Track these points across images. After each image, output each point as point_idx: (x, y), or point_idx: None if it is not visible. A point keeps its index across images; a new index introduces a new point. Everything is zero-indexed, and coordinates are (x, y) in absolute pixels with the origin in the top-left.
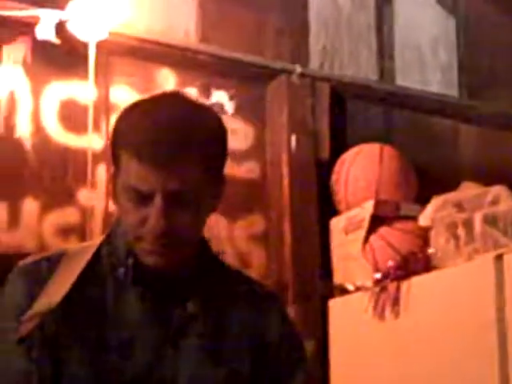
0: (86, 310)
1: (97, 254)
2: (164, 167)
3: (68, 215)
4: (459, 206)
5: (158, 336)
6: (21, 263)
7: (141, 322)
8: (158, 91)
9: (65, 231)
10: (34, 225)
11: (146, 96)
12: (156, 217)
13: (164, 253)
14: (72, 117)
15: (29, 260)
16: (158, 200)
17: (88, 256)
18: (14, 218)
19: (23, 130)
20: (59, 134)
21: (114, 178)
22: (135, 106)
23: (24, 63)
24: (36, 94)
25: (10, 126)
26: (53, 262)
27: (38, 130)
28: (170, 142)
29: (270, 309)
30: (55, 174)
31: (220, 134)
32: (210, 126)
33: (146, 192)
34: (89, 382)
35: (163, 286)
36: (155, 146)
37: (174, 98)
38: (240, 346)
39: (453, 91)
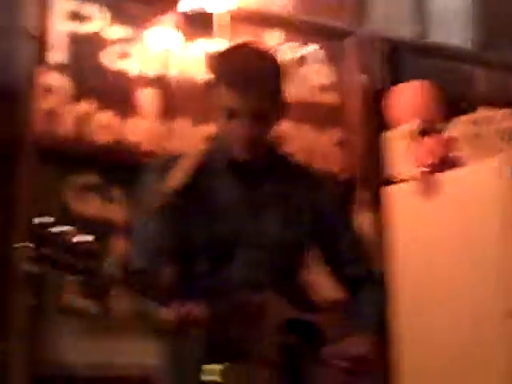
0: (199, 191)
1: (205, 154)
2: (247, 93)
3: (207, 129)
4: (476, 123)
5: (247, 207)
6: (154, 160)
7: (236, 198)
8: (267, 45)
9: (206, 139)
10: (185, 135)
11: (233, 45)
12: (243, 127)
13: (250, 151)
14: (208, 62)
15: (159, 158)
16: (243, 116)
17: (199, 155)
18: (172, 131)
19: (176, 72)
20: (200, 74)
21: (213, 101)
22: (228, 50)
23: (175, 26)
24: (184, 47)
25: (167, 70)
26: (174, 160)
27: (186, 72)
28: (252, 75)
29: (324, 186)
30: (198, 101)
31: (280, 70)
32: (277, 65)
33: (236, 110)
34: (202, 242)
35: (250, 172)
36: (242, 77)
37: (253, 46)
38: (303, 211)
39: (470, 45)
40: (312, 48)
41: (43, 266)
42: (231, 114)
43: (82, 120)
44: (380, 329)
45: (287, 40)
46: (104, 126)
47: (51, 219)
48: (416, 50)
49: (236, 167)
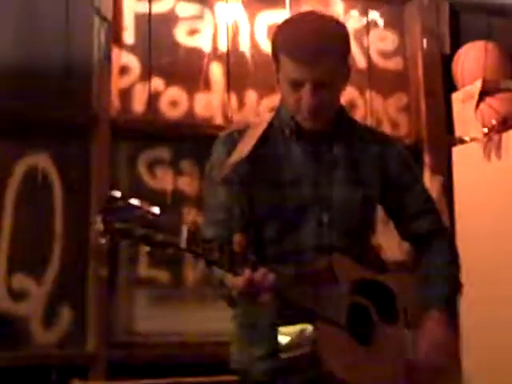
0: (266, 159)
1: (270, 124)
2: (310, 62)
3: (276, 100)
4: None
5: (316, 172)
6: (221, 133)
7: (304, 163)
8: (331, 13)
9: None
10: (254, 108)
11: (295, 15)
12: (307, 97)
13: (315, 119)
14: None
15: (226, 131)
16: (307, 85)
17: (264, 125)
18: (241, 104)
19: (244, 46)
20: (268, 47)
21: (277, 72)
22: (286, 21)
23: (242, 1)
24: (251, 21)
25: (235, 44)
26: (241, 132)
27: (254, 45)
28: (313, 45)
29: (392, 146)
30: (266, 73)
31: (346, 37)
32: (340, 32)
33: (299, 80)
34: (271, 209)
35: (316, 138)
36: (303, 48)
37: (313, 14)
38: (372, 173)
39: None
40: (373, 15)
41: (115, 238)
42: (295, 85)
43: (154, 97)
44: (452, 302)
45: (349, 8)
46: (175, 101)
47: (120, 193)
48: (479, 10)
49: (302, 134)
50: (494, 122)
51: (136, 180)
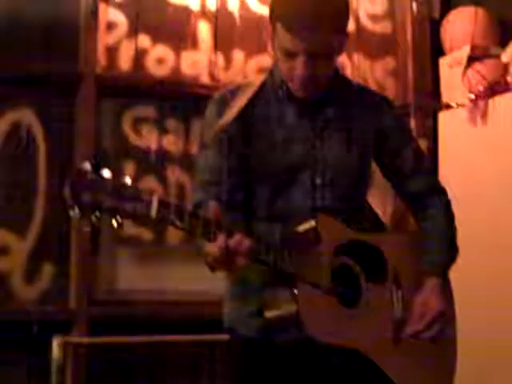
0: (258, 119)
1: (263, 84)
2: (305, 35)
3: (263, 61)
4: None
5: (309, 133)
6: (215, 94)
7: (296, 125)
8: None
9: (261, 71)
10: (241, 67)
11: None
12: (300, 68)
13: (307, 89)
14: None
15: (219, 92)
16: (301, 57)
17: (257, 86)
18: (228, 63)
19: (232, 5)
20: (257, 7)
21: (272, 38)
22: None
23: None
24: None
25: (223, 3)
26: (234, 92)
27: (243, 5)
28: (310, 17)
29: (385, 107)
30: (254, 34)
31: (346, 9)
32: (339, 3)
33: (293, 51)
34: (263, 170)
35: (309, 102)
36: (299, 19)
37: None
38: (366, 133)
39: None
40: None
41: (83, 210)
42: (288, 54)
43: (140, 54)
44: (451, 260)
45: None
46: (161, 59)
47: (89, 165)
48: None
49: (295, 97)
50: (480, 88)
51: (120, 137)
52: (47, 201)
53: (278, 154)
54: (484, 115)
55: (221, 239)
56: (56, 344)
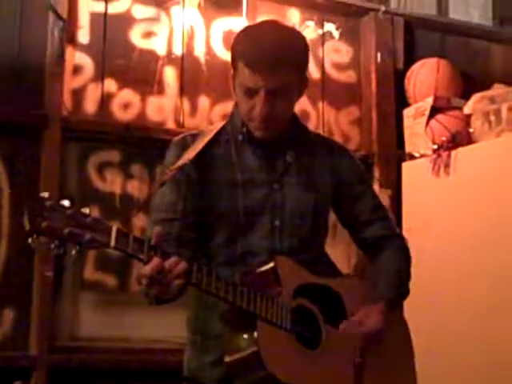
0: (218, 160)
1: (222, 129)
2: (266, 72)
3: (229, 107)
4: (492, 100)
5: (269, 177)
6: (175, 138)
7: (256, 168)
8: (287, 23)
9: (227, 117)
10: (206, 114)
11: (254, 23)
12: (260, 105)
13: (266, 128)
14: (231, 41)
15: (180, 135)
16: (261, 94)
17: (216, 130)
18: (194, 109)
19: (199, 51)
20: (222, 53)
21: (233, 79)
22: (246, 30)
23: (199, 6)
24: (207, 26)
25: (190, 49)
26: (194, 136)
27: (209, 51)
28: (271, 55)
29: (343, 155)
30: (220, 80)
31: (305, 49)
32: (299, 44)
33: (253, 88)
34: (220, 212)
35: (268, 145)
36: (260, 57)
37: (274, 24)
38: (324, 179)
39: (488, 21)
40: (329, 26)
41: (41, 237)
42: (249, 93)
43: (106, 98)
44: (400, 296)
45: (305, 19)
46: (127, 103)
47: (48, 194)
48: (433, 27)
49: (255, 141)
50: (443, 138)
51: (85, 182)
52: (10, 244)
53: (238, 197)
54: (447, 166)
55: (155, 259)
56: None
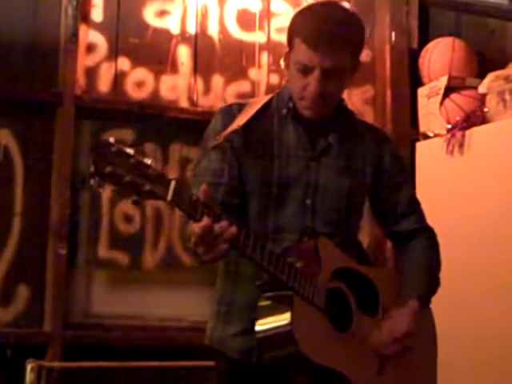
0: (260, 133)
1: (269, 101)
2: (323, 50)
3: (243, 86)
4: (507, 79)
5: (307, 153)
6: (222, 106)
7: (295, 144)
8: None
9: (240, 97)
10: (220, 92)
11: (312, 2)
12: (314, 84)
13: (316, 108)
14: (245, 20)
15: (227, 104)
16: (316, 73)
17: (263, 102)
18: (207, 88)
19: (213, 30)
20: (236, 32)
21: (288, 55)
22: (307, 8)
23: None
24: (221, 5)
25: (203, 27)
26: (241, 106)
27: (223, 29)
28: (330, 34)
29: (388, 143)
30: (234, 59)
31: (363, 34)
32: (358, 28)
33: (309, 66)
34: (258, 182)
35: (312, 125)
36: (319, 34)
37: (335, 5)
38: (364, 166)
39: (504, 0)
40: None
41: (103, 182)
42: (304, 70)
43: (120, 77)
44: (433, 290)
45: None
46: (140, 82)
47: (114, 139)
48: (448, 6)
49: (299, 117)
50: (457, 118)
51: None
52: (23, 222)
53: (274, 168)
54: (461, 146)
55: (205, 219)
56: (30, 368)
